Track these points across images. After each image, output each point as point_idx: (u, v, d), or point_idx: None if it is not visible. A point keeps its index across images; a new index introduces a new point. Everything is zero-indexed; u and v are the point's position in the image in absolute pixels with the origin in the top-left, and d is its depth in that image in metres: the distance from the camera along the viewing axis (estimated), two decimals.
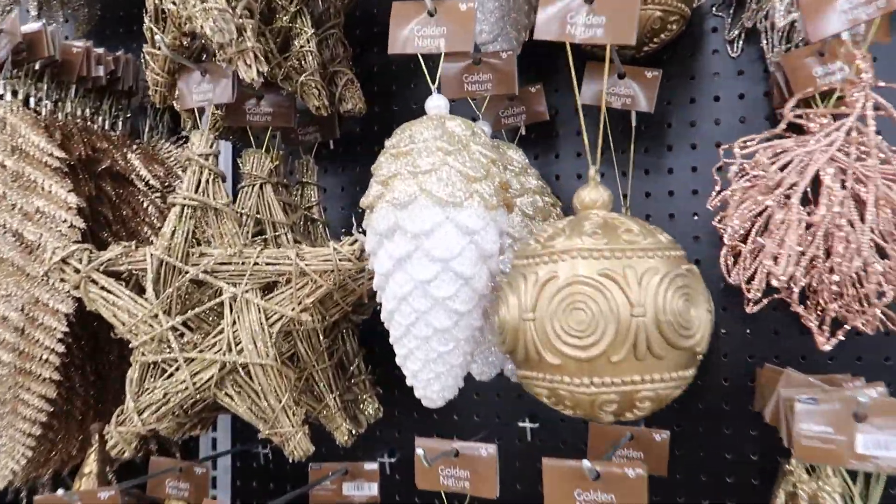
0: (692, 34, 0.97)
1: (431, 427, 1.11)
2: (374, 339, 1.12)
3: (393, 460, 1.11)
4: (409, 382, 0.74)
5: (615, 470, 0.66)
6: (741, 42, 0.95)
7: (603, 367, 0.61)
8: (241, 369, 0.85)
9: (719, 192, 0.84)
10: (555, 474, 0.68)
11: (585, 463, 0.65)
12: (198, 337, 0.86)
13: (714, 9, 0.97)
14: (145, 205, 1.12)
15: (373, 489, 0.98)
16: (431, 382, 0.71)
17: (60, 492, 0.84)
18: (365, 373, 1.04)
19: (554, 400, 0.65)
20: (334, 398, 0.95)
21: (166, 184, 1.15)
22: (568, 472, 0.68)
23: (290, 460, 0.86)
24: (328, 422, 0.95)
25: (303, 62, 0.91)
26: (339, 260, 0.83)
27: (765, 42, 0.91)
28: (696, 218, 0.97)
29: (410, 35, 0.72)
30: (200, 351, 0.85)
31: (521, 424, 1.04)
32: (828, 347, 0.81)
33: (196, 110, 0.92)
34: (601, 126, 0.71)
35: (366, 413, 1.02)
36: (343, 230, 1.17)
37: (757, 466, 0.94)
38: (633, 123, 0.96)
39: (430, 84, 0.72)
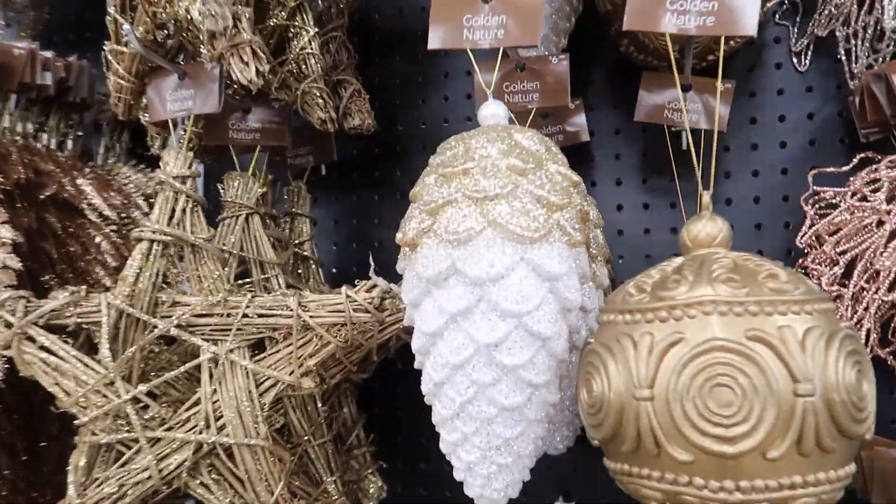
0: (750, 45, 0.84)
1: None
2: (372, 400, 0.94)
3: None
4: (459, 477, 0.56)
5: None
6: (810, 54, 0.82)
7: (754, 465, 0.44)
8: (221, 451, 0.66)
9: (812, 226, 0.70)
10: None
11: None
12: (166, 411, 0.67)
13: (776, 16, 0.84)
14: (98, 240, 0.92)
15: None
16: (493, 478, 0.54)
17: None
18: (366, 444, 0.86)
19: None
20: (335, 481, 0.76)
21: (124, 215, 0.97)
22: None
23: None
24: None
25: (304, 67, 0.75)
26: (354, 311, 0.65)
27: (843, 52, 0.79)
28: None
29: (457, 26, 0.57)
30: (169, 428, 0.66)
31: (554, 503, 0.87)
32: None
33: (170, 124, 0.75)
34: (715, 143, 0.56)
35: (368, 495, 0.84)
36: (334, 269, 1.00)
37: None
38: (690, 146, 0.81)
39: (485, 88, 0.57)
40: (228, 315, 0.67)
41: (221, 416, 0.66)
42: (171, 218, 0.68)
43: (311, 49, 0.74)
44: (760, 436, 0.44)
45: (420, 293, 0.53)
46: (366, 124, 0.80)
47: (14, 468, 0.81)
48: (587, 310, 0.59)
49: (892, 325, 0.70)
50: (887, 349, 0.70)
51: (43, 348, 0.67)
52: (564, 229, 0.51)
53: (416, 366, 0.57)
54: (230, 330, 0.67)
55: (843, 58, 0.79)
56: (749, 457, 0.44)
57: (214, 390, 0.66)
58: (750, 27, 0.51)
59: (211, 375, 0.67)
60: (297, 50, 0.74)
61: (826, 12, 0.79)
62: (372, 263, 0.67)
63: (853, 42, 0.77)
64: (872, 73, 0.71)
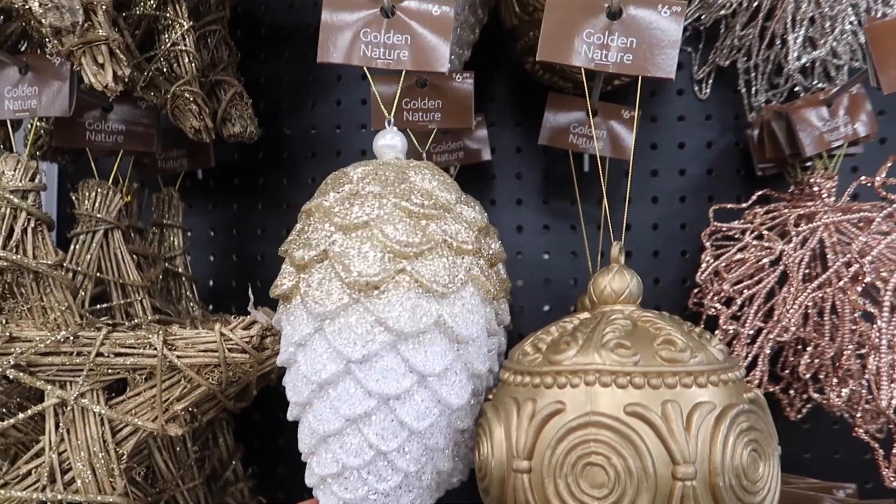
0: None
1: None
2: (251, 429, 0.87)
3: None
4: None
5: None
6: (710, 82, 0.82)
7: None
8: None
9: (710, 263, 0.69)
10: None
11: None
12: (2, 464, 0.58)
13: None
14: None
15: None
16: None
17: None
18: (243, 478, 0.79)
19: None
20: None
21: None
22: None
23: None
24: None
25: (175, 66, 0.66)
26: (229, 350, 0.58)
27: (743, 84, 0.79)
28: (655, 286, 0.82)
29: (356, 42, 0.50)
30: (4, 484, 0.57)
31: None
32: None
33: (9, 124, 0.64)
34: (628, 173, 0.53)
35: None
36: (212, 283, 0.91)
37: None
38: (600, 173, 0.79)
39: (385, 111, 0.51)
40: (79, 354, 0.58)
41: (70, 469, 0.57)
42: (8, 238, 0.58)
43: (185, 45, 0.65)
44: None
45: (379, 347, 0.46)
46: (248, 132, 0.72)
47: None
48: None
49: (781, 359, 0.70)
50: (778, 385, 0.71)
51: None
52: (479, 280, 0.46)
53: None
54: (82, 371, 0.58)
55: (743, 90, 0.78)
56: None
57: (62, 439, 0.57)
58: (669, 70, 0.47)
59: (58, 422, 0.58)
60: (169, 46, 0.65)
61: (728, 42, 0.78)
62: (251, 296, 0.60)
63: (753, 74, 0.77)
64: (774, 110, 0.71)
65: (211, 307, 0.86)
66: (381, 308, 0.45)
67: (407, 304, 0.45)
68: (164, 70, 0.66)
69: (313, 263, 0.49)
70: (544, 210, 0.84)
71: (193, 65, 0.66)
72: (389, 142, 0.51)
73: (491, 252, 0.51)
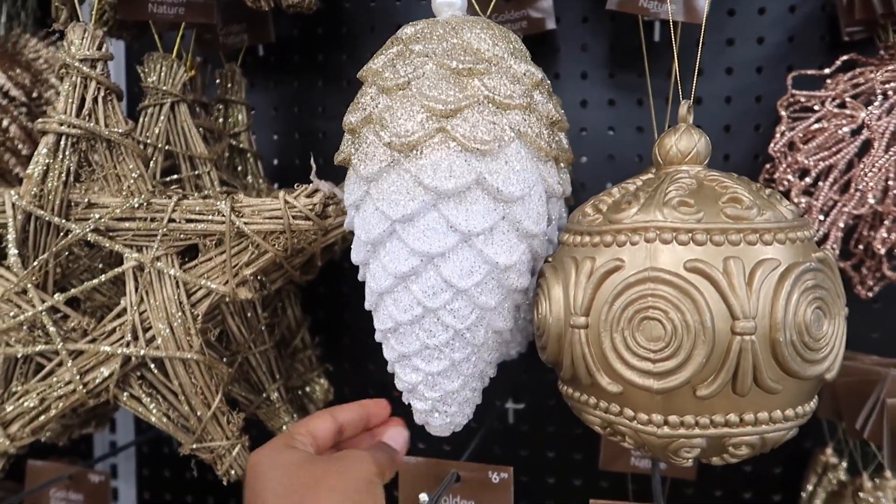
0: None
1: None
2: (317, 302, 0.90)
3: None
4: (406, 398, 0.54)
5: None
6: None
7: (683, 401, 0.42)
8: (152, 364, 0.61)
9: (785, 133, 0.66)
10: None
11: None
12: (89, 321, 0.62)
13: None
14: (5, 124, 0.83)
15: None
16: (465, 405, 0.51)
17: None
18: (311, 346, 0.82)
19: (610, 431, 0.47)
20: (278, 388, 0.73)
21: (34, 95, 0.86)
22: None
23: (225, 482, 0.65)
24: (269, 419, 0.74)
25: None
26: (293, 218, 0.59)
27: None
28: (725, 161, 0.79)
29: None
30: (92, 340, 0.61)
31: (505, 405, 0.86)
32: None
33: None
34: (700, 41, 0.50)
35: (314, 398, 0.81)
36: (276, 161, 0.92)
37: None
38: (674, 40, 0.75)
39: None
40: (153, 220, 0.60)
41: (150, 328, 0.61)
42: (80, 108, 0.60)
43: None
44: (688, 373, 0.41)
45: (420, 206, 0.47)
46: (306, 2, 0.71)
47: None
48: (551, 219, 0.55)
49: (855, 235, 0.68)
50: (848, 261, 0.69)
51: None
52: (528, 137, 0.46)
53: (359, 278, 0.52)
54: (156, 235, 0.60)
55: None
56: (677, 393, 0.42)
57: (141, 300, 0.61)
58: None
59: (137, 284, 0.61)
60: None
61: None
62: (313, 165, 0.60)
63: None
64: None
65: (276, 185, 0.88)
66: (419, 168, 0.45)
67: (444, 163, 0.44)
68: None
69: (360, 127, 0.49)
70: (610, 83, 0.81)
71: None
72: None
73: (550, 113, 0.50)
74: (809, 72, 0.68)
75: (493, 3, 0.65)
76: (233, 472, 0.63)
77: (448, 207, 0.45)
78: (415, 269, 0.47)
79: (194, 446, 0.62)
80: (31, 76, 0.87)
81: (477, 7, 0.65)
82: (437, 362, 0.49)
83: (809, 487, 0.75)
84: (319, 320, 0.89)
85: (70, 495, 0.76)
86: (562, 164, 0.62)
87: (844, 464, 0.73)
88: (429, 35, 0.47)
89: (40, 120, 0.60)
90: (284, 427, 0.73)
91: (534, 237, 0.48)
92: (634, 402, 0.44)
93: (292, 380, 0.79)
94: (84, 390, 0.60)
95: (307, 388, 0.81)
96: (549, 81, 0.50)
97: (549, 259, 0.49)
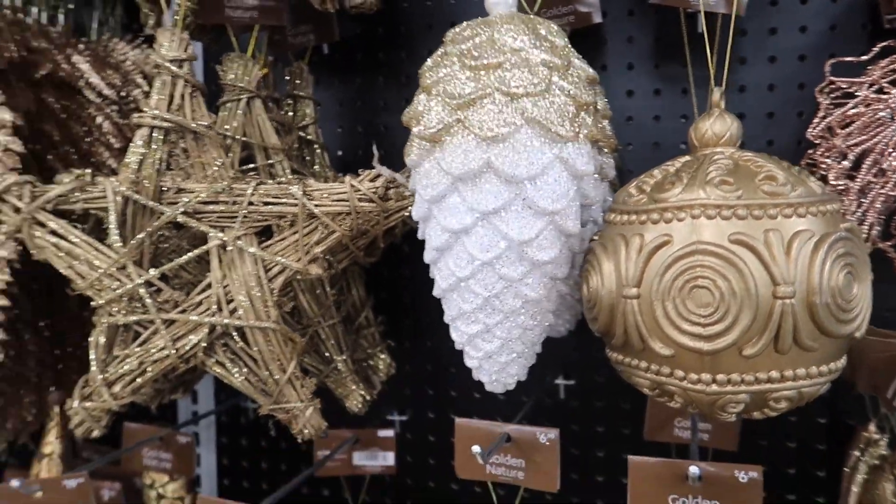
0: None
1: (446, 382, 0.97)
2: (380, 283, 0.96)
3: (405, 418, 0.97)
4: (471, 363, 0.59)
5: (722, 473, 0.54)
6: None
7: (731, 361, 0.47)
8: (235, 333, 0.69)
9: (825, 118, 0.69)
10: (643, 475, 0.55)
11: (692, 470, 0.52)
12: (179, 294, 0.69)
13: None
14: (99, 120, 0.91)
15: (388, 458, 0.86)
16: (510, 365, 0.57)
17: (15, 482, 0.68)
18: (374, 324, 0.89)
19: (659, 392, 0.51)
20: (345, 359, 0.80)
21: (123, 93, 0.95)
22: (662, 472, 0.55)
23: (300, 440, 0.71)
24: (337, 387, 0.80)
25: None
26: (358, 200, 0.66)
27: None
28: (768, 147, 0.81)
29: None
30: (183, 311, 0.69)
31: (555, 381, 0.91)
32: None
33: (162, 3, 0.72)
34: (730, 31, 0.54)
35: (378, 371, 0.87)
36: (340, 153, 0.99)
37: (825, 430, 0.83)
38: (704, 31, 0.78)
39: None
40: (234, 203, 0.67)
41: (233, 300, 0.68)
42: (170, 103, 0.67)
43: None
44: (736, 335, 0.45)
45: (447, 188, 0.53)
46: (368, 3, 0.77)
47: (39, 344, 0.84)
48: (592, 203, 0.60)
49: None
50: (888, 242, 0.71)
51: (53, 233, 0.68)
52: (588, 127, 0.50)
53: (426, 259, 0.58)
54: (236, 217, 0.67)
55: None
56: (725, 353, 0.46)
57: (224, 275, 0.68)
58: None
59: (220, 261, 0.68)
60: None
61: None
62: (375, 152, 0.67)
63: None
64: None
65: (340, 174, 0.95)
66: (440, 155, 0.52)
67: (458, 150, 0.51)
68: None
69: (411, 120, 0.55)
70: (655, 74, 0.85)
71: None
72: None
73: (578, 97, 0.54)
74: (848, 59, 0.71)
75: (539, 0, 0.69)
76: (306, 431, 0.70)
77: (466, 189, 0.52)
78: (471, 224, 0.52)
79: (272, 407, 0.69)
80: (121, 76, 0.95)
81: (525, 4, 0.70)
82: (494, 316, 0.54)
83: (852, 462, 0.77)
84: (382, 301, 0.95)
85: (160, 454, 0.84)
86: (605, 150, 0.66)
87: (885, 439, 0.75)
88: (462, 36, 0.53)
89: (136, 115, 0.68)
90: (352, 394, 0.80)
91: (546, 213, 0.52)
92: (684, 364, 0.48)
93: (357, 353, 0.85)
94: (176, 355, 0.68)
95: (371, 362, 0.88)
96: (578, 68, 0.54)
97: (596, 237, 0.54)
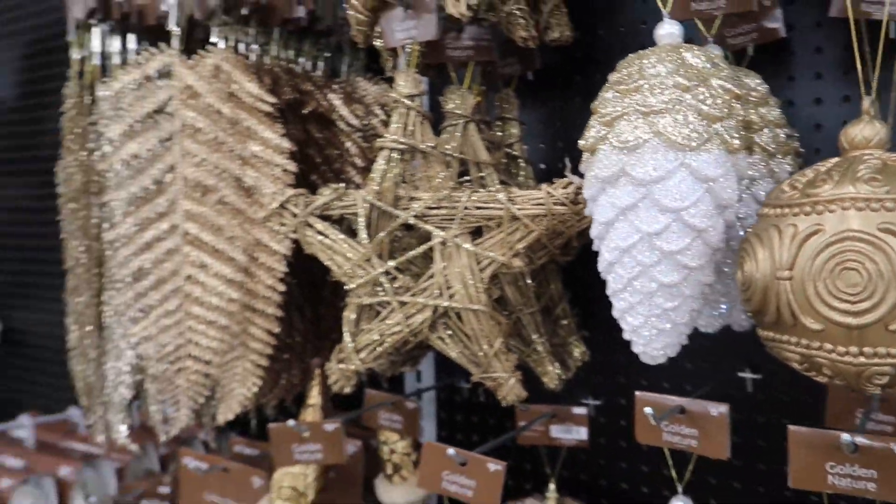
0: None
1: (638, 371, 1.06)
2: (575, 280, 1.08)
3: (598, 403, 1.08)
4: (627, 337, 0.70)
5: (877, 445, 0.59)
6: None
7: (877, 335, 0.53)
8: (452, 314, 0.84)
9: None
10: (803, 443, 0.62)
11: (844, 437, 0.58)
12: (409, 280, 0.87)
13: None
14: (347, 145, 1.13)
15: (581, 433, 0.97)
16: (653, 339, 0.66)
17: (291, 422, 0.89)
18: (570, 316, 1.01)
19: (807, 366, 0.58)
20: (543, 342, 0.93)
21: (365, 123, 1.16)
22: (819, 442, 0.61)
23: (503, 404, 0.85)
24: (536, 365, 0.93)
25: None
26: (553, 204, 0.79)
27: None
28: None
29: None
30: (413, 295, 0.86)
31: (740, 374, 0.97)
32: None
33: (398, 49, 0.90)
34: (881, 41, 0.60)
35: (572, 357, 0.99)
36: (543, 166, 1.13)
37: None
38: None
39: (661, 7, 0.64)
40: (453, 208, 0.83)
41: (451, 287, 0.84)
42: (404, 129, 0.85)
43: None
44: (882, 311, 0.51)
45: (597, 191, 0.65)
46: (564, 36, 0.90)
47: (303, 322, 1.07)
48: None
49: None
50: None
51: (319, 233, 0.89)
52: (723, 137, 0.59)
53: (594, 247, 0.70)
54: (454, 219, 0.83)
55: None
56: (872, 328, 0.52)
57: (445, 266, 0.84)
58: None
59: (441, 255, 0.85)
60: None
61: None
62: (567, 164, 0.79)
63: None
64: None
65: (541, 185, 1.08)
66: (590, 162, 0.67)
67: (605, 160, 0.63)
68: None
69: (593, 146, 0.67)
70: (845, 81, 0.88)
71: None
72: (665, 31, 0.64)
73: (747, 117, 0.62)
74: None
75: (717, 23, 0.77)
76: (510, 397, 0.84)
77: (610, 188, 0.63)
78: (635, 202, 0.63)
79: (481, 376, 0.84)
80: (364, 109, 1.17)
81: (702, 28, 0.79)
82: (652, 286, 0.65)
83: None
84: (578, 296, 1.07)
85: (392, 416, 1.03)
86: (778, 156, 0.73)
87: None
88: (621, 66, 0.65)
89: (379, 140, 0.86)
90: (549, 373, 0.92)
91: (670, 210, 0.61)
92: (833, 338, 0.55)
93: (554, 339, 0.98)
94: (408, 330, 0.85)
95: (566, 348, 1.00)
96: (717, 87, 0.63)
97: (751, 229, 0.62)
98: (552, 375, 0.92)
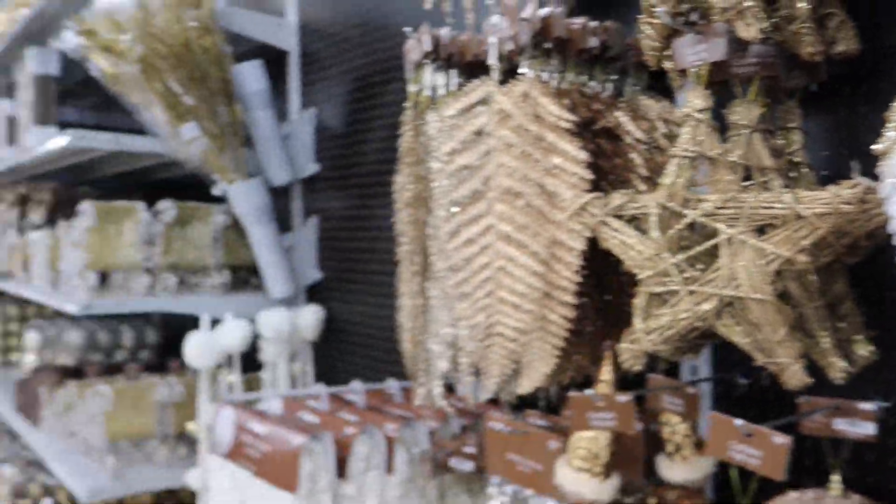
0: None
1: None
2: (862, 280, 1.10)
3: (888, 404, 1.08)
4: None
5: None
6: None
7: None
8: (737, 304, 0.94)
9: None
10: None
11: None
12: (696, 272, 0.98)
13: None
14: (632, 156, 1.27)
15: (869, 428, 1.00)
16: None
17: (588, 391, 1.05)
18: (856, 314, 1.04)
19: None
20: (826, 336, 0.98)
21: (649, 137, 1.29)
22: None
23: (780, 390, 0.93)
24: (819, 359, 0.99)
25: (793, 11, 0.94)
26: (839, 203, 0.85)
27: None
28: None
29: None
30: (701, 285, 0.97)
31: None
32: None
33: (688, 70, 1.02)
34: None
35: (857, 352, 1.02)
36: (825, 172, 1.16)
37: None
38: None
39: None
40: (739, 207, 0.93)
41: (736, 278, 0.94)
42: (693, 140, 0.97)
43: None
44: None
45: (892, 190, 0.72)
46: (850, 49, 0.96)
47: (592, 311, 1.23)
48: None
49: None
50: None
51: (615, 230, 1.04)
52: None
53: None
54: (740, 218, 0.93)
55: None
56: None
57: (731, 260, 0.94)
58: None
59: (728, 250, 0.95)
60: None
61: None
62: (855, 165, 0.85)
63: None
64: None
65: None
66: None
67: None
68: (785, 15, 0.95)
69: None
70: None
71: (807, 10, 0.93)
72: None
73: None
74: None
75: None
76: (793, 381, 0.91)
77: None
78: None
79: (766, 361, 0.93)
80: (647, 123, 1.30)
81: None
82: None
83: None
84: (863, 297, 1.09)
85: (674, 400, 1.14)
86: None
87: None
88: None
89: (672, 149, 0.99)
90: (833, 365, 0.97)
91: None
92: None
93: (839, 334, 1.02)
94: (695, 317, 0.97)
95: (851, 346, 1.03)
96: None
97: None
98: (836, 367, 0.97)
